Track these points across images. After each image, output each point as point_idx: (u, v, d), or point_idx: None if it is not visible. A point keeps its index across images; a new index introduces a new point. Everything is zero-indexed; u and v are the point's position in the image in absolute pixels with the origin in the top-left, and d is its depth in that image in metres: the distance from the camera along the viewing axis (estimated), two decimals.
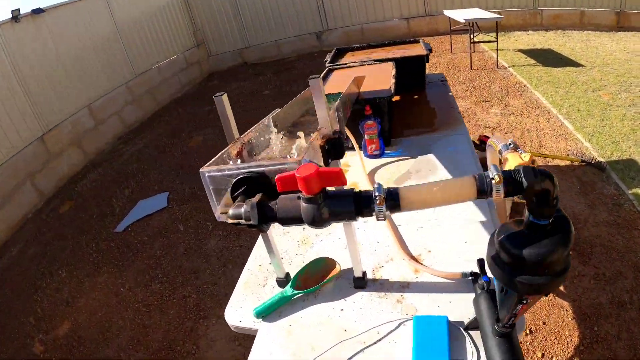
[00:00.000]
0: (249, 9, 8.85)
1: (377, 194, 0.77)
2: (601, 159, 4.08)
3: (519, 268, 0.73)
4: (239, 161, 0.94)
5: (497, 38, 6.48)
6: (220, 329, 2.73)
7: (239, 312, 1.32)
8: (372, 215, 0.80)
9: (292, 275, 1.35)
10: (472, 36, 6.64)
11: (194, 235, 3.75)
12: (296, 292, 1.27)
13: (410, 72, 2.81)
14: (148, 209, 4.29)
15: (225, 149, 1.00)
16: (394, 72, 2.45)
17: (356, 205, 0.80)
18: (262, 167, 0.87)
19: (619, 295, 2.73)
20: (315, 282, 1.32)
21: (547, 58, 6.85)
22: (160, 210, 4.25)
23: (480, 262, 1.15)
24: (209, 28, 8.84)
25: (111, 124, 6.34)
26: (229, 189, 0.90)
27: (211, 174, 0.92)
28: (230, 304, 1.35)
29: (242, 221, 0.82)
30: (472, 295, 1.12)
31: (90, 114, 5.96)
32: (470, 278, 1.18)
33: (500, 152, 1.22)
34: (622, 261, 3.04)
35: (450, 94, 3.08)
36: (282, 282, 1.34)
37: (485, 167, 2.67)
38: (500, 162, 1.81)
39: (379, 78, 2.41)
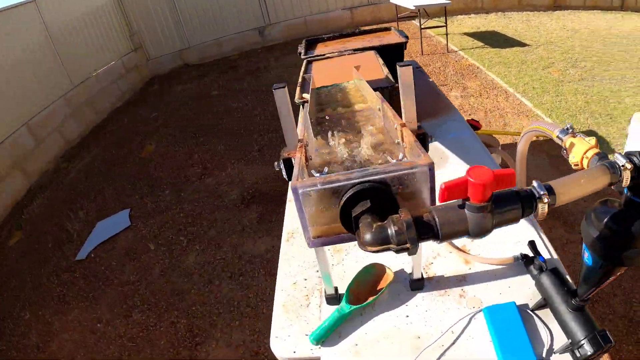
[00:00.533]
0: (187, 7, 8.43)
1: (541, 192, 0.71)
2: None
3: (626, 244, 0.79)
4: (326, 169, 0.75)
5: (446, 22, 6.56)
6: (222, 352, 2.51)
7: (288, 341, 1.14)
8: (528, 215, 0.73)
9: (340, 289, 1.20)
10: (421, 22, 6.68)
11: (168, 253, 3.45)
12: (354, 307, 1.13)
13: (388, 60, 2.71)
14: (109, 230, 3.92)
15: (298, 156, 0.81)
16: (381, 60, 2.35)
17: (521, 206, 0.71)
18: (384, 174, 0.69)
19: None
20: (368, 292, 1.19)
21: (494, 40, 7.04)
22: (123, 230, 3.89)
23: (532, 244, 1.21)
24: (146, 30, 8.33)
25: (52, 141, 5.79)
26: (338, 206, 0.70)
27: (309, 189, 0.70)
28: (275, 333, 1.17)
29: (392, 247, 0.65)
30: (527, 277, 1.17)
31: (29, 132, 5.40)
32: (522, 261, 1.21)
33: (559, 138, 1.17)
34: None
35: (431, 80, 3.02)
36: (332, 298, 1.18)
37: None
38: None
39: (368, 67, 2.30)
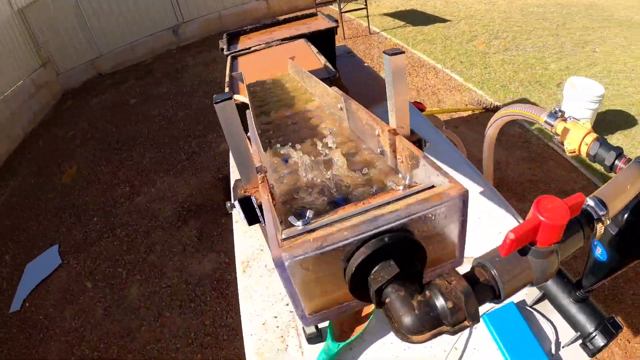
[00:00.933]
0: (94, 12, 7.76)
1: (601, 212, 0.61)
2: (498, 103, 4.28)
3: None
4: (309, 214, 0.51)
5: (366, 4, 6.49)
6: None
7: None
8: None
9: (319, 325, 1.03)
10: (340, 6, 6.57)
11: (108, 289, 3.10)
12: (342, 343, 0.96)
13: (319, 47, 2.55)
14: (41, 273, 3.47)
15: (266, 199, 0.56)
16: (314, 48, 2.19)
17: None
18: (406, 218, 0.48)
19: None
20: (354, 321, 1.03)
21: (414, 18, 7.07)
22: (55, 269, 3.46)
23: None
24: (53, 42, 7.56)
25: None
26: (346, 274, 0.49)
27: (301, 257, 0.47)
28: None
29: (447, 329, 0.46)
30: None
31: None
32: None
33: (548, 123, 1.13)
34: (551, 190, 3.24)
35: (366, 64, 2.90)
36: (314, 337, 1.00)
37: None
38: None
39: (301, 57, 2.13)
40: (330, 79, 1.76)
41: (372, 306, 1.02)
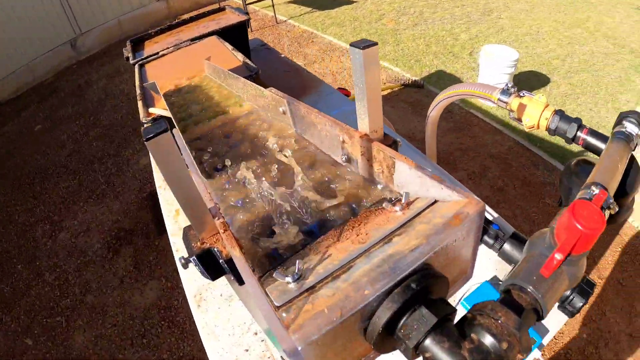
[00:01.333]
0: None
1: (610, 200, 0.59)
2: (415, 78, 4.36)
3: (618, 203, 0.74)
4: (299, 265, 0.38)
5: None
6: None
7: None
8: None
9: None
10: None
11: (51, 342, 2.76)
12: None
13: (232, 43, 2.42)
14: None
15: (239, 257, 0.46)
16: (228, 45, 2.06)
17: None
18: (430, 253, 0.38)
19: (494, 183, 3.03)
20: None
21: (321, 3, 7.04)
22: None
23: None
24: None
25: None
26: (368, 335, 0.39)
27: (316, 336, 0.36)
28: None
29: None
30: (483, 249, 1.08)
31: None
32: None
33: (501, 101, 1.08)
34: (480, 156, 3.33)
35: (283, 56, 2.80)
36: None
37: None
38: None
39: (216, 56, 2.00)
40: (252, 77, 1.65)
41: None
